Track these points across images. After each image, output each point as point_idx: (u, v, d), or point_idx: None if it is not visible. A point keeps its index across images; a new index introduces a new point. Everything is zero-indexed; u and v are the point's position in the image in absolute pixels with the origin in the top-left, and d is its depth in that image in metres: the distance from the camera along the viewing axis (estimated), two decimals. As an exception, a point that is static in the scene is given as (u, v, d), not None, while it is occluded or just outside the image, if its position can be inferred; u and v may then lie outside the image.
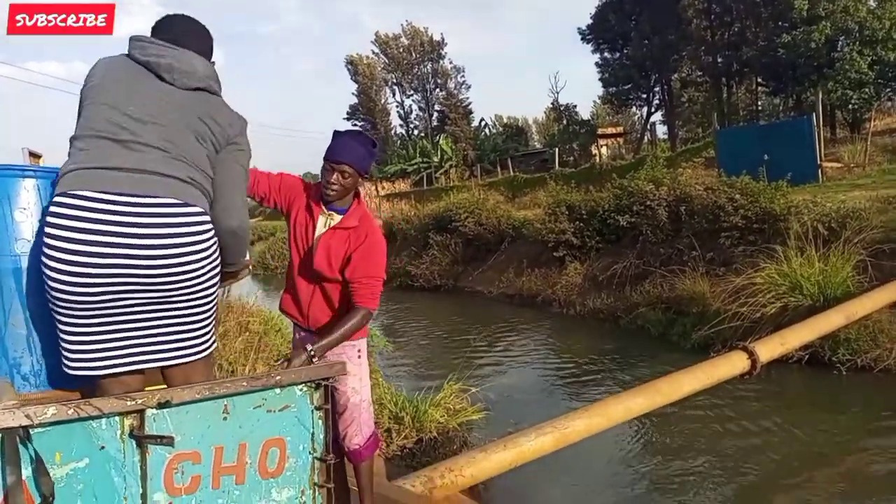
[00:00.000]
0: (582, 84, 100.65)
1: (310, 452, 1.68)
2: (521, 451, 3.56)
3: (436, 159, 39.32)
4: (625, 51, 31.77)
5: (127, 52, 1.82)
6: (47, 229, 1.60)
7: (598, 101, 43.34)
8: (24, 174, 1.97)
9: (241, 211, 1.90)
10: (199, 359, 1.80)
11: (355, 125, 53.69)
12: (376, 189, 35.32)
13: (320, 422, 1.71)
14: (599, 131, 34.30)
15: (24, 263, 1.91)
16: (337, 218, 2.51)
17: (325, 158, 2.45)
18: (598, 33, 32.10)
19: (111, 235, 1.58)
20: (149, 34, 1.88)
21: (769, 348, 5.11)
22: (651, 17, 28.68)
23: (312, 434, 1.69)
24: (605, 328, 10.01)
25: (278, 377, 1.64)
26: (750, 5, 24.28)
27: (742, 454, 5.00)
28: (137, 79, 1.76)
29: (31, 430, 1.27)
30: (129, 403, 1.38)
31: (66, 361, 1.69)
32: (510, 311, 12.22)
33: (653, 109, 33.47)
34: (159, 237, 1.63)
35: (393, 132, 53.97)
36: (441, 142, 40.86)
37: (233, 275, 2.11)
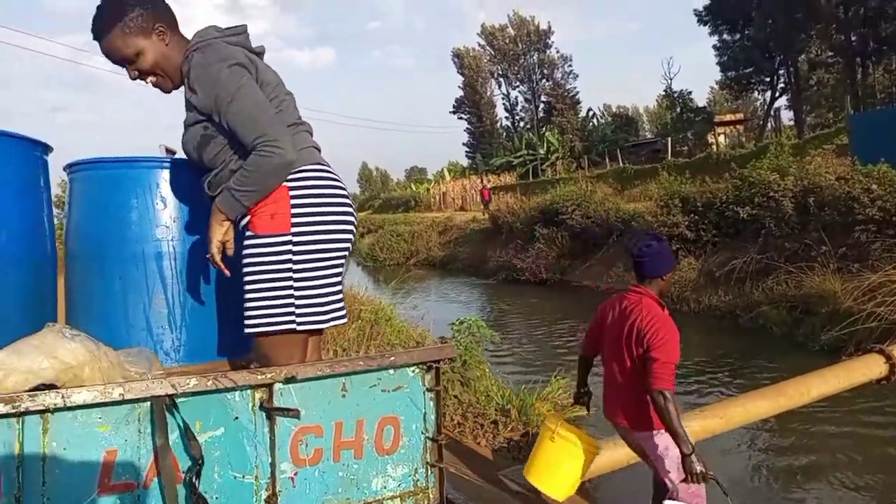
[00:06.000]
0: (697, 70, 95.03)
1: (422, 432, 1.73)
2: (633, 449, 3.45)
3: (542, 151, 38.88)
4: (746, 31, 29.89)
5: (237, 44, 1.81)
6: (320, 191, 1.80)
7: (716, 86, 41.14)
8: (163, 166, 2.15)
9: None
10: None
11: (461, 118, 54.22)
12: (482, 181, 35.40)
13: (432, 403, 1.75)
14: (717, 118, 32.36)
15: (166, 248, 2.09)
16: None
17: None
18: (716, 14, 30.36)
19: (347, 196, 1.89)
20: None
21: (911, 352, 4.64)
22: (776, -5, 26.76)
23: (424, 414, 1.74)
24: (723, 326, 9.52)
25: (392, 358, 1.70)
26: (891, -24, 22.13)
27: (872, 467, 4.61)
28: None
29: (175, 399, 1.39)
30: (259, 377, 1.49)
31: (311, 317, 1.78)
32: (619, 306, 11.88)
33: (777, 94, 31.24)
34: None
35: (499, 124, 53.99)
36: (547, 134, 40.34)
37: None
